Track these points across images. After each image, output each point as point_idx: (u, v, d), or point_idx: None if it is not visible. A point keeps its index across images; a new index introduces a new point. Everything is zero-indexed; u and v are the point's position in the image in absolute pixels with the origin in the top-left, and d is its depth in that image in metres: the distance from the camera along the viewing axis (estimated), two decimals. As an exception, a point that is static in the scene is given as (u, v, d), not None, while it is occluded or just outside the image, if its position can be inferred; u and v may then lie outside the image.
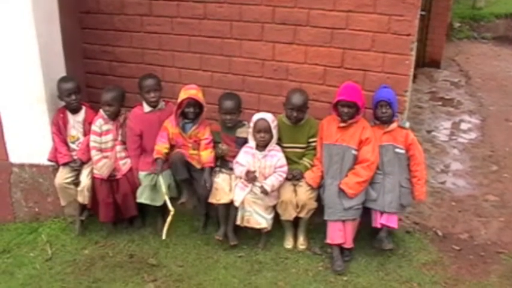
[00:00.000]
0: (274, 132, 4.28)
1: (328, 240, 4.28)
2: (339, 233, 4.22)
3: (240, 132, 4.48)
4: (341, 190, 4.17)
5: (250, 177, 4.26)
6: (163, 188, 4.41)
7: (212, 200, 4.46)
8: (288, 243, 4.53)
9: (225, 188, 4.42)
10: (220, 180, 4.47)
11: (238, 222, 4.43)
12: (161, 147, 4.48)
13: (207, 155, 4.47)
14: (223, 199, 4.42)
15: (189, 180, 4.54)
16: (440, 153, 6.41)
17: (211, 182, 4.43)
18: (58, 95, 4.58)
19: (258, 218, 4.37)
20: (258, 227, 4.40)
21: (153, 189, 4.52)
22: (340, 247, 4.30)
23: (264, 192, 4.24)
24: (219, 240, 4.52)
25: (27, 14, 4.32)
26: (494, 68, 10.40)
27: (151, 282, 4.13)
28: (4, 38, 4.40)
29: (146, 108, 4.59)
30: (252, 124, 4.29)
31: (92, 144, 4.55)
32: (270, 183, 4.24)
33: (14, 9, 4.30)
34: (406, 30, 4.10)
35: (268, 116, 4.27)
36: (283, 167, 4.30)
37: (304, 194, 4.29)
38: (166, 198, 4.39)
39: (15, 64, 4.47)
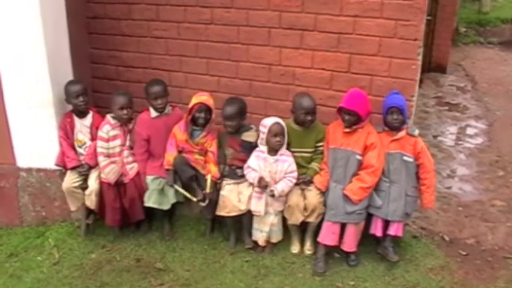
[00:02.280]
0: (286, 135, 4.29)
1: (318, 239, 4.28)
2: (332, 236, 4.22)
3: (246, 136, 4.46)
4: (345, 196, 4.17)
5: (263, 185, 4.26)
6: (183, 191, 4.48)
7: (221, 212, 4.45)
8: (295, 248, 4.53)
9: (234, 200, 4.39)
10: (227, 192, 4.44)
11: (261, 244, 4.48)
12: (170, 156, 4.51)
13: (215, 170, 4.49)
14: (233, 211, 4.41)
15: (196, 177, 4.52)
16: (447, 158, 6.40)
17: (213, 195, 4.44)
18: (65, 98, 4.59)
19: (278, 233, 4.49)
20: (275, 240, 4.51)
21: (161, 193, 4.54)
22: (346, 252, 4.32)
23: (273, 195, 4.24)
24: (230, 250, 4.57)
25: (35, 19, 4.34)
26: (501, 73, 10.37)
27: (159, 286, 4.14)
28: (12, 43, 4.42)
29: (153, 113, 4.61)
30: (265, 129, 4.26)
31: (99, 150, 4.56)
32: (280, 188, 4.24)
33: (22, 14, 4.33)
34: (412, 35, 4.10)
35: (280, 120, 4.29)
36: (293, 172, 4.31)
37: (314, 198, 4.29)
38: (192, 197, 4.46)
39: (23, 68, 4.49)
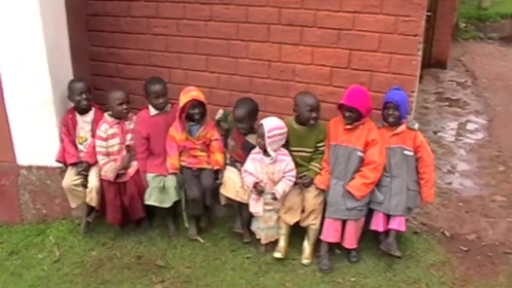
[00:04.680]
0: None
1: (321, 237, 4.28)
2: (334, 233, 4.22)
3: (250, 138, 4.43)
4: (348, 192, 4.16)
5: (259, 190, 4.25)
6: (183, 204, 4.54)
7: (223, 191, 4.47)
8: (279, 251, 4.38)
9: (237, 184, 4.40)
10: (231, 173, 4.47)
11: (263, 242, 4.46)
12: (174, 160, 4.51)
13: (221, 158, 4.53)
14: (231, 193, 4.42)
15: (201, 198, 4.50)
16: (447, 153, 6.40)
17: (222, 180, 4.48)
18: (68, 95, 4.61)
19: (276, 230, 4.46)
20: (276, 238, 4.48)
21: (162, 191, 4.53)
22: (347, 248, 4.32)
23: (275, 198, 4.23)
24: (239, 233, 4.59)
25: (35, 17, 4.34)
26: (501, 68, 10.35)
27: (159, 283, 4.14)
28: (12, 40, 4.42)
29: (152, 111, 4.60)
30: (259, 130, 4.23)
31: (98, 149, 4.55)
32: (281, 190, 4.22)
33: (22, 11, 4.33)
34: (413, 31, 4.09)
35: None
36: (292, 171, 4.28)
37: (313, 199, 4.29)
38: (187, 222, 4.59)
39: (23, 66, 4.49)
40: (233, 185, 4.42)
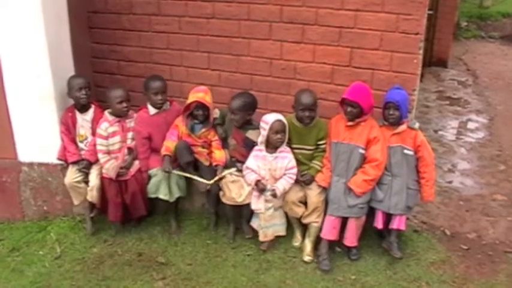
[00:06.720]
0: (287, 132, 4.27)
1: (321, 235, 4.29)
2: (333, 230, 4.23)
3: (251, 134, 4.44)
4: (349, 188, 4.16)
5: (260, 188, 4.25)
6: (182, 173, 4.48)
7: (222, 197, 4.48)
8: (296, 241, 4.52)
9: (233, 192, 4.39)
10: (230, 182, 4.44)
11: (261, 239, 4.43)
12: (170, 144, 4.48)
13: (221, 155, 4.52)
14: (230, 201, 4.43)
15: (195, 164, 4.52)
16: (448, 152, 6.40)
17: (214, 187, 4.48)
18: (67, 91, 4.59)
19: (277, 228, 4.45)
20: (277, 234, 4.48)
21: (168, 184, 4.53)
22: (348, 246, 4.32)
23: (274, 195, 4.24)
24: (242, 230, 4.64)
25: (37, 14, 4.34)
26: (502, 67, 10.36)
27: (160, 280, 4.15)
28: (14, 37, 4.42)
29: (152, 110, 4.61)
30: (266, 126, 4.21)
31: (98, 147, 4.55)
32: (281, 187, 4.23)
33: (24, 8, 4.32)
34: (414, 29, 4.09)
35: (282, 117, 4.25)
36: (293, 168, 4.29)
37: (315, 197, 4.29)
38: (195, 177, 4.46)
39: (25, 63, 4.49)
40: (230, 194, 4.42)
